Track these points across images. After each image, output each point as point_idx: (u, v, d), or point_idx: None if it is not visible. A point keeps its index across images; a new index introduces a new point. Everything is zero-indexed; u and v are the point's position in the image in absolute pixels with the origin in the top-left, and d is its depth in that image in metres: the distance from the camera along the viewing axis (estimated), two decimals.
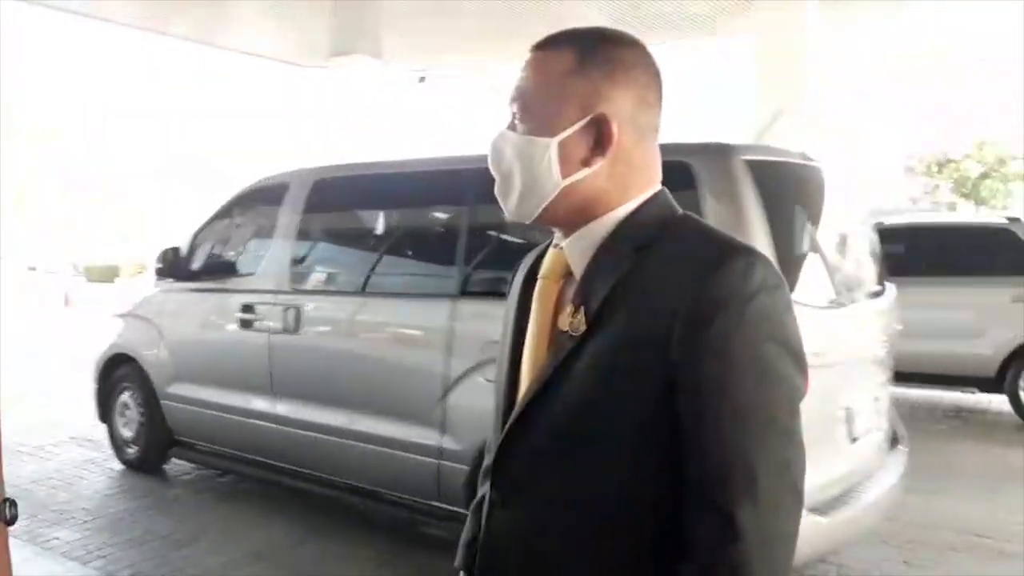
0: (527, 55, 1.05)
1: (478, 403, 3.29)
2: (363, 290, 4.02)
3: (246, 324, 4.30)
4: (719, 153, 3.11)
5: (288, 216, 4.34)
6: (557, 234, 1.08)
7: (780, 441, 0.91)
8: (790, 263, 3.03)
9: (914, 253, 7.25)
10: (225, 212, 4.88)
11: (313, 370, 4.06)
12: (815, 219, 3.40)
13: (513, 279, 1.22)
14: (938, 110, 32.24)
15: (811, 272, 3.18)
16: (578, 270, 1.03)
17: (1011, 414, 6.54)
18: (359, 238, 4.39)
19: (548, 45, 1.04)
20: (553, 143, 0.99)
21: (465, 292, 3.59)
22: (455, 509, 3.43)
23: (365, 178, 4.35)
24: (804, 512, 0.97)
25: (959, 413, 7.05)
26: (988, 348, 6.49)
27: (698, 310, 0.90)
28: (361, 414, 3.83)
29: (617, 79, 1.00)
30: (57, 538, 4.05)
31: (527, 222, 1.05)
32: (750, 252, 0.94)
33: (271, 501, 4.55)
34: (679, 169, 2.98)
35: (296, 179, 4.44)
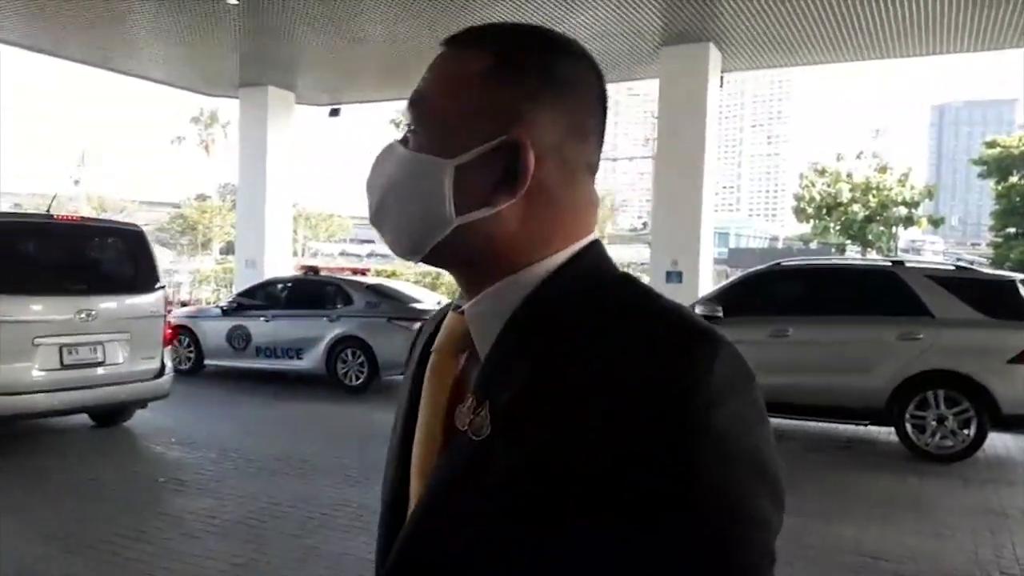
0: (439, 52, 0.81)
1: None
2: None
3: None
4: None
5: None
6: (461, 294, 0.83)
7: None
8: (3, 267, 6.40)
9: (810, 293, 7.73)
10: None
11: None
12: (33, 247, 6.98)
13: (413, 346, 0.94)
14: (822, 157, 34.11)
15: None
16: (482, 346, 0.76)
17: (899, 444, 6.99)
18: None
19: (461, 41, 0.79)
20: (448, 167, 0.74)
21: None
22: None
23: None
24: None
25: (852, 444, 7.48)
26: (877, 382, 6.94)
27: (650, 420, 0.65)
28: None
29: (542, 96, 0.75)
30: None
31: (415, 260, 0.82)
32: (715, 338, 0.68)
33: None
34: None
35: None
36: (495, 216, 0.74)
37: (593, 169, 0.80)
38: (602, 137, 0.81)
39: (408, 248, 0.79)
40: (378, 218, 0.81)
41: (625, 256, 37.12)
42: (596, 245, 0.79)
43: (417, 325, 0.87)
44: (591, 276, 0.77)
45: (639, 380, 0.66)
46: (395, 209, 0.78)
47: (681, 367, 0.66)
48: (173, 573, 3.98)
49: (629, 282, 0.77)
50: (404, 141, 0.79)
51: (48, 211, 7.59)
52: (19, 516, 4.84)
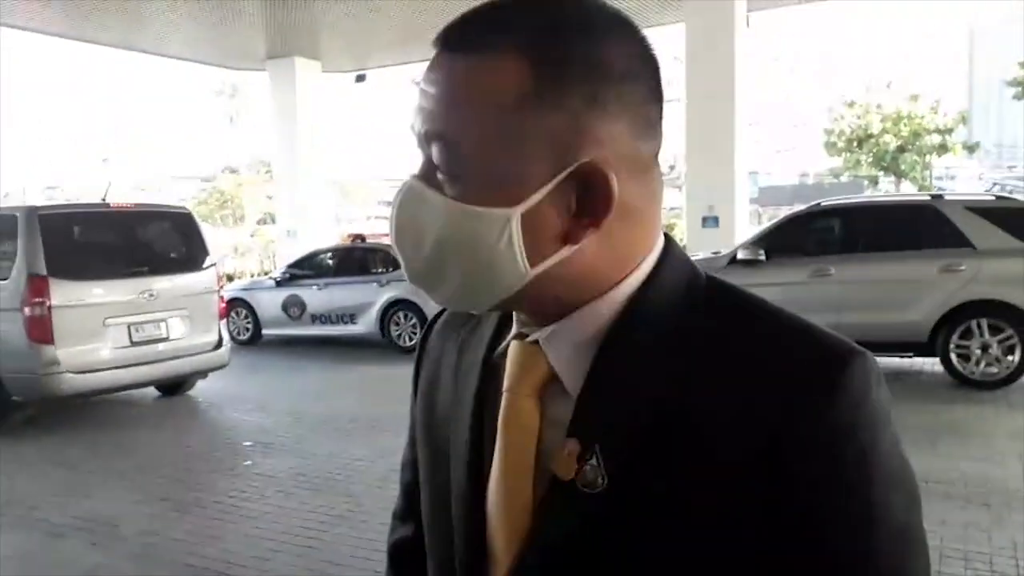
0: (440, 57, 0.64)
1: None
2: None
3: None
4: (28, 209, 6.89)
5: None
6: (518, 315, 0.71)
7: None
8: (70, 256, 6.87)
9: (851, 231, 7.86)
10: None
11: None
12: (94, 235, 7.44)
13: (426, 344, 0.85)
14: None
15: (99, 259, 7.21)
16: (573, 380, 0.66)
17: (944, 374, 7.19)
18: None
19: (475, 43, 0.62)
20: (513, 217, 0.61)
21: None
22: None
23: None
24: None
25: (899, 376, 7.69)
26: (920, 315, 7.11)
27: (817, 449, 0.59)
28: None
29: (605, 101, 0.61)
30: None
31: (477, 312, 0.73)
32: (860, 353, 0.62)
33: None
34: (9, 219, 6.79)
35: None
36: (574, 254, 0.63)
37: (658, 157, 0.68)
38: (663, 112, 0.67)
39: (474, 304, 0.69)
40: (427, 280, 0.67)
41: None
42: (672, 245, 0.70)
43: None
44: (681, 285, 0.67)
45: (792, 408, 0.59)
46: (450, 272, 0.64)
47: (845, 391, 0.59)
48: (280, 525, 4.37)
49: (721, 285, 0.69)
50: (430, 179, 0.64)
51: (104, 199, 8.01)
52: (130, 482, 5.29)
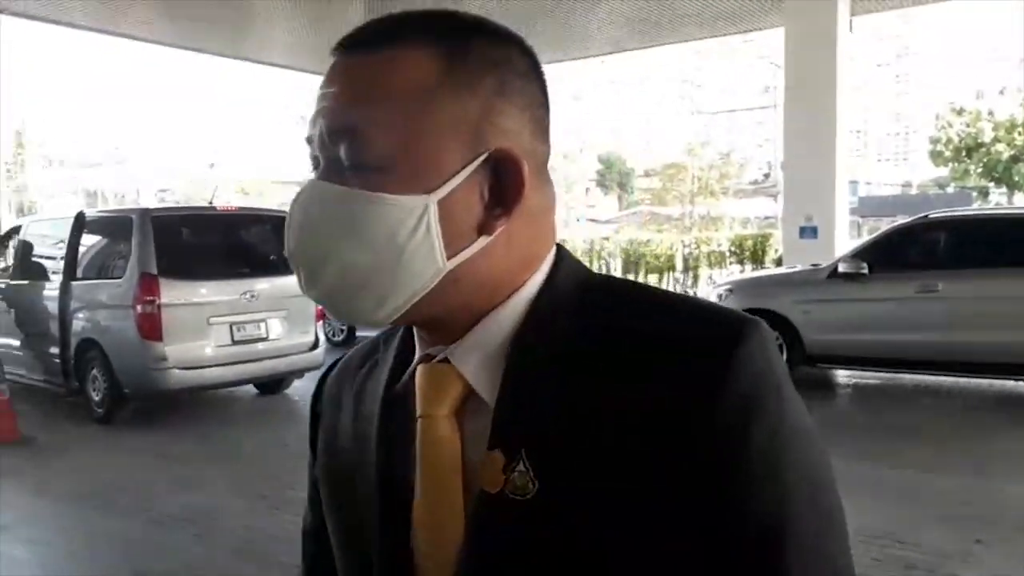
0: (341, 60, 0.65)
1: None
2: None
3: None
4: (142, 211, 7.23)
5: None
6: (421, 337, 0.70)
7: (850, 559, 0.65)
8: (179, 256, 7.21)
9: (962, 245, 7.46)
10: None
11: None
12: (201, 237, 7.83)
13: (318, 404, 0.84)
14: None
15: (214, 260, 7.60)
16: (488, 392, 0.65)
17: None
18: None
19: (387, 41, 0.63)
20: (431, 204, 0.61)
21: None
22: None
23: None
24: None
25: (1009, 401, 7.26)
26: None
27: (726, 422, 0.59)
28: None
29: (511, 93, 0.64)
30: None
31: (376, 327, 0.67)
32: (754, 323, 0.63)
33: None
34: (125, 220, 7.22)
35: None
36: (487, 247, 0.63)
37: (548, 162, 0.70)
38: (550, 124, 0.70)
39: (382, 313, 0.64)
40: (332, 286, 0.63)
41: (749, 211, 36.20)
42: (563, 249, 0.70)
43: None
44: (574, 285, 0.68)
45: (701, 386, 0.59)
46: (364, 272, 0.62)
47: (747, 363, 0.60)
48: None
49: (613, 280, 0.71)
50: (336, 178, 0.62)
51: (211, 202, 8.40)
52: (233, 477, 5.50)
